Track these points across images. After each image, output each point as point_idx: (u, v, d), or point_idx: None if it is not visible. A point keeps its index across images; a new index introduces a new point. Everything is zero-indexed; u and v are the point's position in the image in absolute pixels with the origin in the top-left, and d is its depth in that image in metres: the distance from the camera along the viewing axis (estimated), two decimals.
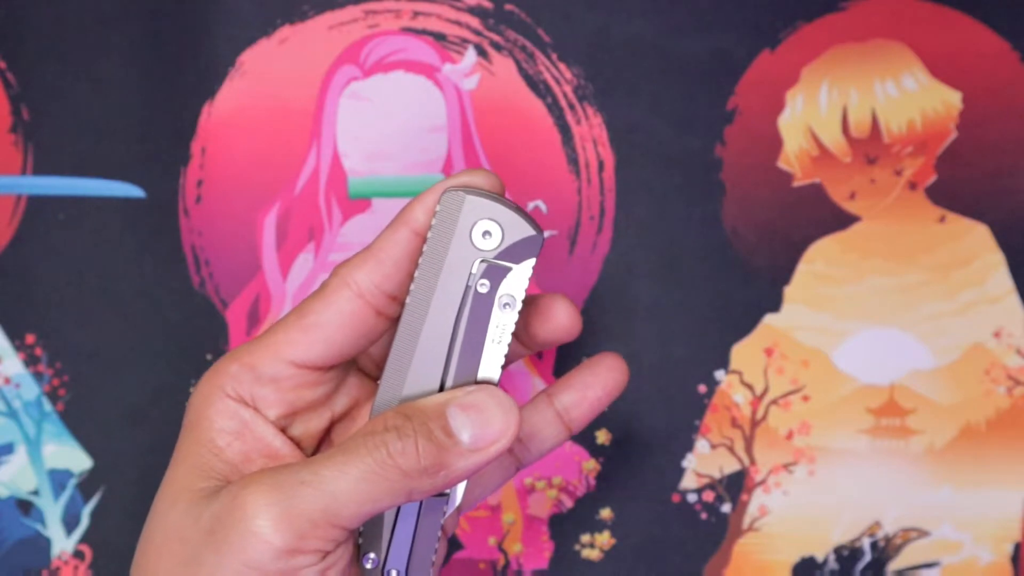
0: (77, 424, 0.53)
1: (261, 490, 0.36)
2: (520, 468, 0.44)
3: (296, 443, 0.40)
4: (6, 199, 0.53)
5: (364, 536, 0.39)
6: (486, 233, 0.37)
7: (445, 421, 0.37)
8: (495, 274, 0.37)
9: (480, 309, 0.38)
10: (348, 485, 0.36)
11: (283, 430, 0.40)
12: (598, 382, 0.43)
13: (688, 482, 0.52)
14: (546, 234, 0.52)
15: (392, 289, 0.39)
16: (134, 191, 0.53)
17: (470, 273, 0.37)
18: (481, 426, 0.37)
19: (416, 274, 0.38)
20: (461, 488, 0.39)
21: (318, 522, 0.35)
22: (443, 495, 0.39)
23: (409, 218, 0.38)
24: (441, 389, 0.38)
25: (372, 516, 0.37)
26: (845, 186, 0.52)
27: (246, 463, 0.39)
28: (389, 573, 0.39)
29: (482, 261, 0.37)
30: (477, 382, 0.38)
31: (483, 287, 0.37)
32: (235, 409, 0.39)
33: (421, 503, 0.39)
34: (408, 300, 0.38)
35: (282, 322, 0.39)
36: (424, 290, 0.37)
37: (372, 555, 0.39)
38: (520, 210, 0.38)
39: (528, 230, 0.37)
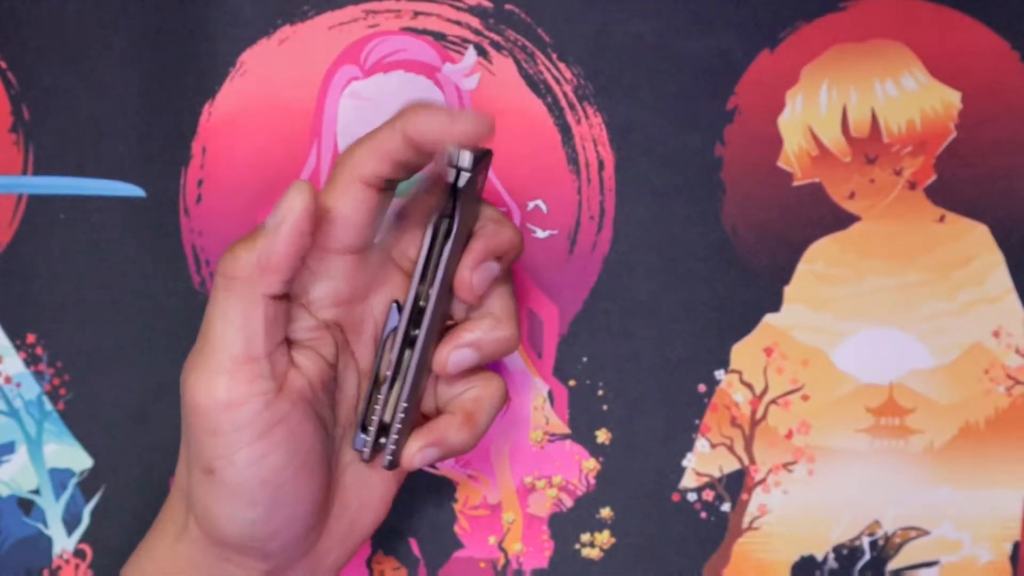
0: (78, 423, 0.53)
1: (184, 376, 0.42)
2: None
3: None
4: (7, 199, 0.53)
5: (365, 416, 0.45)
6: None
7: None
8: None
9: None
10: (219, 322, 0.41)
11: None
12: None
13: (688, 481, 0.52)
14: (546, 233, 0.52)
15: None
16: (135, 191, 0.53)
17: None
18: (274, 211, 0.41)
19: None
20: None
21: (224, 367, 0.41)
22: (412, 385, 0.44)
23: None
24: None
25: (251, 333, 0.41)
26: (845, 186, 0.52)
27: None
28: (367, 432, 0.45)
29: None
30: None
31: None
32: None
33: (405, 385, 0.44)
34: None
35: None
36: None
37: (362, 435, 0.45)
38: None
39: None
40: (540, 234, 0.52)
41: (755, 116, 0.52)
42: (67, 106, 0.53)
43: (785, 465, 0.52)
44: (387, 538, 0.52)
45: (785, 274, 0.52)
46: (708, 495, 0.52)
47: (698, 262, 0.52)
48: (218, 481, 0.41)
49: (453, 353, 0.44)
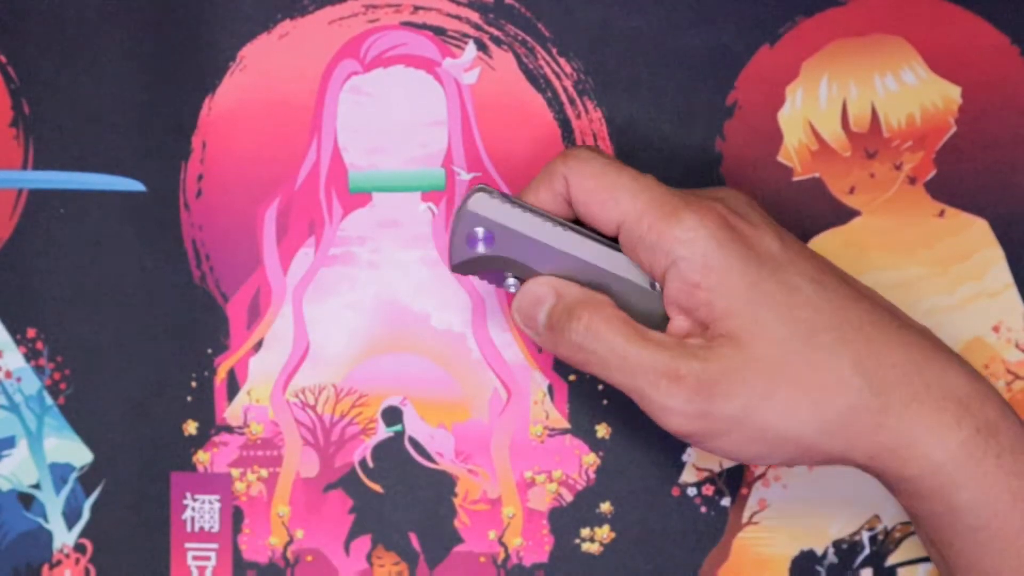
0: (78, 418, 0.53)
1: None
2: None
3: None
4: (7, 193, 0.53)
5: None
6: None
7: None
8: None
9: None
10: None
11: None
12: None
13: (687, 476, 0.52)
14: None
15: None
16: (135, 185, 0.53)
17: None
18: None
19: None
20: None
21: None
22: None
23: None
24: None
25: None
26: (845, 180, 0.52)
27: None
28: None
29: None
30: None
31: None
32: None
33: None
34: None
35: None
36: None
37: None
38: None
39: None
40: None
41: (755, 111, 0.52)
42: (67, 101, 0.53)
43: None
44: (387, 533, 0.52)
45: None
46: (708, 490, 0.52)
47: None
48: None
49: None
